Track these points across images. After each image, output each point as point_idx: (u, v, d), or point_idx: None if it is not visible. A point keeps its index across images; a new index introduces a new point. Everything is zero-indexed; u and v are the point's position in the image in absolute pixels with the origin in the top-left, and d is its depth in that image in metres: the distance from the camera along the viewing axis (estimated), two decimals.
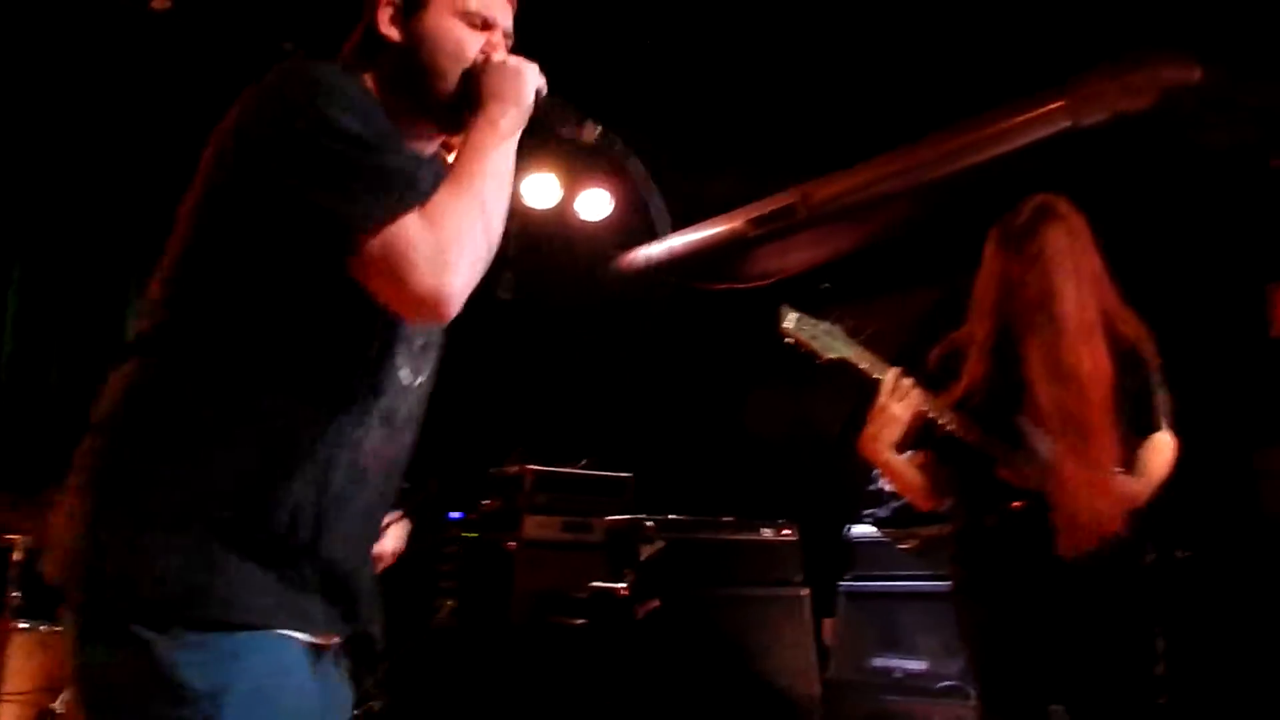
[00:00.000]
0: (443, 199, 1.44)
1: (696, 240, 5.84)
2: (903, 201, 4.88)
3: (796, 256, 5.60)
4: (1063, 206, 2.67)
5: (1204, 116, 4.04)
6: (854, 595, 4.64)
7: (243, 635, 1.38)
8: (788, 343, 2.56)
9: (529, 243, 5.99)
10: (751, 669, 4.34)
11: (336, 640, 1.52)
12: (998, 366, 2.63)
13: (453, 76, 1.58)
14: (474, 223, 1.44)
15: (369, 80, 1.59)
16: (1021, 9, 4.10)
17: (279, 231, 1.42)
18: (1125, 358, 2.62)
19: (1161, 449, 2.67)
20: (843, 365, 2.56)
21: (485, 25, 1.61)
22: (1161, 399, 2.68)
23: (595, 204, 5.94)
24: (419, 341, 1.61)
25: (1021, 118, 4.31)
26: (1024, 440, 2.57)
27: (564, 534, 5.21)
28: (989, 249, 2.71)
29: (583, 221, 5.99)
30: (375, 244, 1.37)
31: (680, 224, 5.96)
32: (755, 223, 5.41)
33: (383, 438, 1.56)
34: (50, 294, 5.27)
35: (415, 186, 1.42)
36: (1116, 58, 4.04)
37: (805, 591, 4.60)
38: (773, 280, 5.74)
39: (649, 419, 6.43)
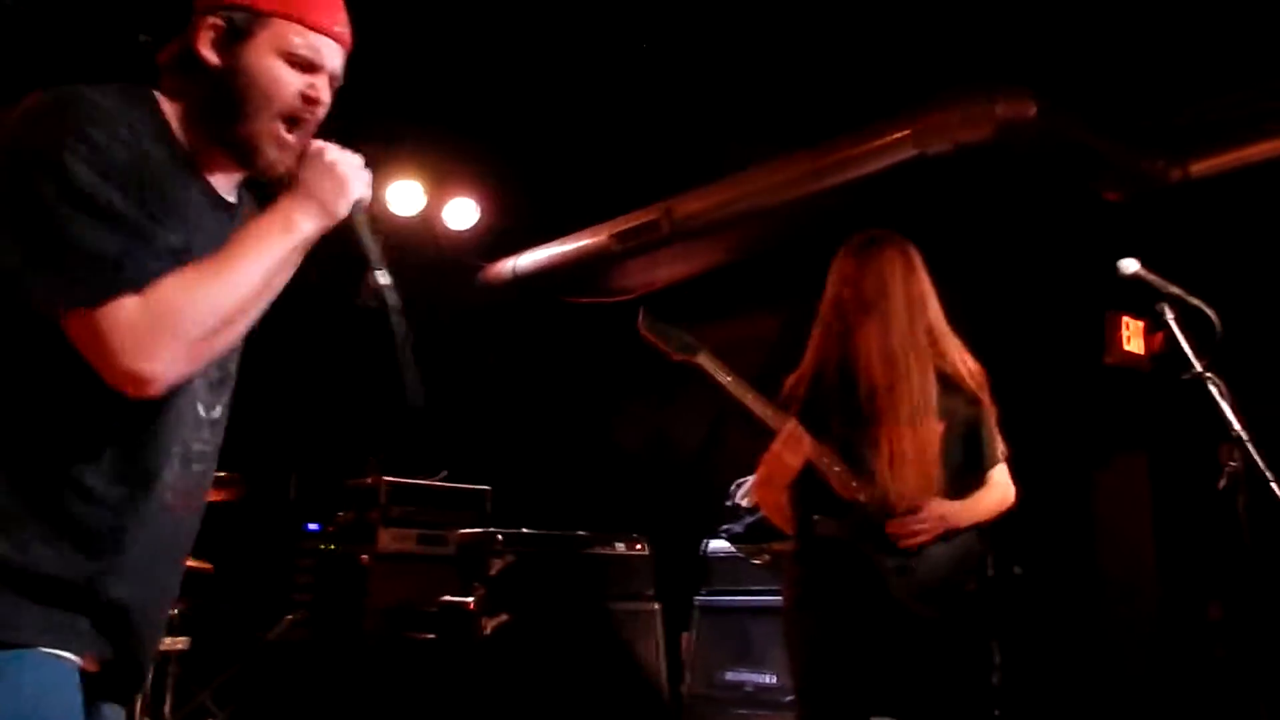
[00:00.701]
0: (175, 284, 1.36)
1: (562, 253, 5.83)
2: (759, 221, 4.96)
3: (662, 271, 5.64)
4: (899, 238, 2.83)
5: (1040, 150, 4.22)
6: (709, 610, 4.67)
7: (7, 653, 1.34)
8: (646, 339, 2.69)
9: (392, 250, 5.89)
10: (601, 683, 4.34)
11: (105, 662, 1.47)
12: (841, 384, 2.73)
13: (262, 116, 1.51)
14: (204, 310, 1.37)
15: (173, 101, 1.52)
16: (881, 36, 4.23)
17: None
18: (947, 381, 2.73)
19: (992, 491, 2.78)
20: (694, 368, 2.67)
21: (309, 67, 1.54)
22: (991, 439, 2.79)
23: (461, 213, 5.88)
24: (215, 375, 1.59)
25: (873, 144, 4.45)
26: (854, 450, 2.67)
27: (419, 547, 5.15)
28: (834, 262, 2.84)
29: (448, 230, 5.92)
30: (81, 321, 1.33)
31: (547, 236, 5.96)
32: (619, 237, 5.43)
33: (180, 473, 1.53)
34: None
35: (144, 263, 1.35)
36: (958, 90, 4.20)
37: (656, 606, 4.62)
38: (638, 295, 5.76)
39: (511, 432, 6.39)
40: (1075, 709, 4.61)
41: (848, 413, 2.69)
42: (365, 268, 1.55)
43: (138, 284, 1.34)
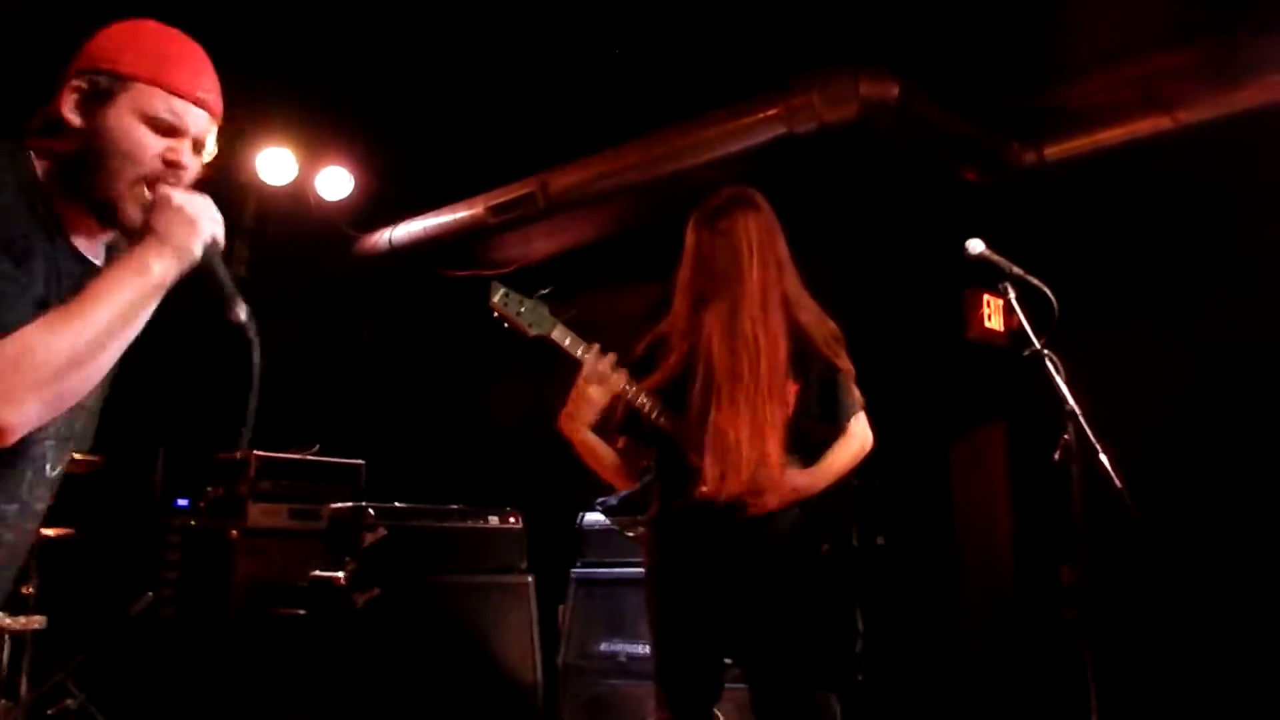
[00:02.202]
0: (35, 331, 1.38)
1: (438, 225, 5.77)
2: (634, 196, 4.99)
3: (539, 245, 5.63)
4: (757, 197, 2.81)
5: (902, 130, 4.33)
6: (584, 581, 4.70)
7: None
8: (495, 317, 2.60)
9: (264, 219, 5.74)
10: (473, 656, 4.34)
11: None
12: (691, 343, 2.72)
13: (122, 177, 1.53)
14: (57, 362, 1.38)
15: (40, 160, 1.53)
16: (754, 12, 4.27)
17: None
18: (803, 344, 2.74)
19: (847, 443, 2.80)
20: (548, 343, 2.61)
21: (172, 132, 1.56)
22: (847, 392, 2.81)
23: (335, 182, 5.77)
24: (64, 432, 1.60)
25: (743, 120, 4.51)
26: (699, 410, 2.66)
27: (291, 522, 5.04)
28: (688, 229, 2.82)
29: (321, 200, 5.80)
30: None
31: (423, 207, 5.88)
32: (495, 210, 5.39)
33: (16, 518, 1.56)
34: None
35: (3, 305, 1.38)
36: (824, 68, 4.28)
37: (529, 578, 4.64)
38: (515, 268, 5.74)
39: (386, 406, 6.31)
40: (937, 672, 4.81)
41: (706, 384, 2.67)
42: (224, 304, 1.56)
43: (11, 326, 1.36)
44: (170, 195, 1.53)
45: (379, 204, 6.01)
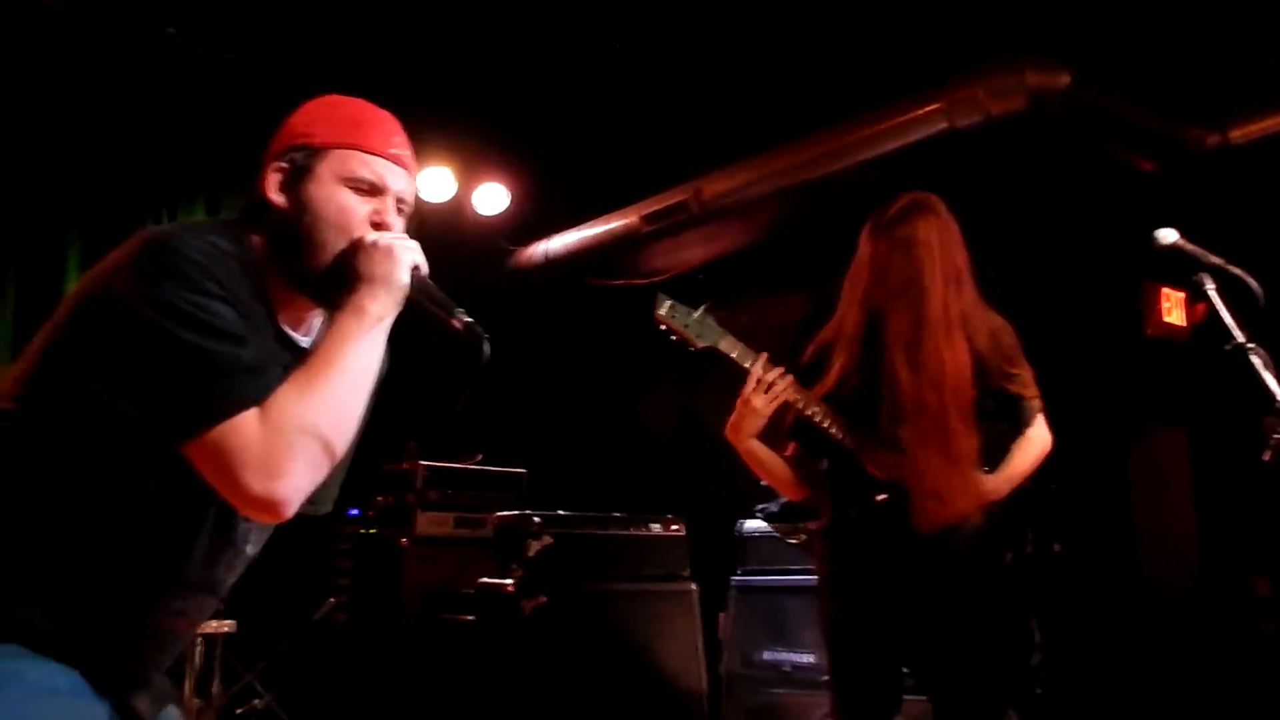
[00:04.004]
0: (287, 396, 1.39)
1: (591, 236, 5.83)
2: (790, 199, 4.93)
3: (691, 253, 5.63)
4: (936, 203, 2.71)
5: (1073, 120, 4.15)
6: (745, 590, 4.67)
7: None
8: (662, 329, 2.57)
9: (424, 236, 5.92)
10: (639, 664, 4.35)
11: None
12: (865, 355, 2.66)
13: (333, 247, 1.54)
14: (317, 422, 1.39)
15: (258, 244, 1.56)
16: (906, 9, 4.18)
17: (119, 408, 1.39)
18: (985, 356, 2.66)
19: (1027, 447, 2.72)
20: (715, 354, 2.58)
21: (374, 191, 1.57)
22: (1025, 397, 2.73)
23: (492, 198, 5.90)
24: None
25: (901, 118, 4.39)
26: (884, 430, 2.61)
27: (457, 530, 5.18)
28: (862, 237, 2.75)
29: (479, 215, 5.94)
30: (207, 441, 1.35)
31: (577, 219, 5.96)
32: (648, 219, 5.41)
33: (202, 598, 1.59)
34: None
35: (261, 380, 1.39)
36: (988, 60, 4.14)
37: (693, 586, 4.62)
38: (667, 276, 5.76)
39: (544, 415, 6.40)
40: (1117, 687, 4.58)
41: (872, 390, 2.63)
42: (442, 319, 1.58)
43: (258, 400, 1.37)
44: (362, 237, 1.54)
45: (534, 217, 6.12)
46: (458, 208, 5.83)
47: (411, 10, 4.41)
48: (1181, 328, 4.68)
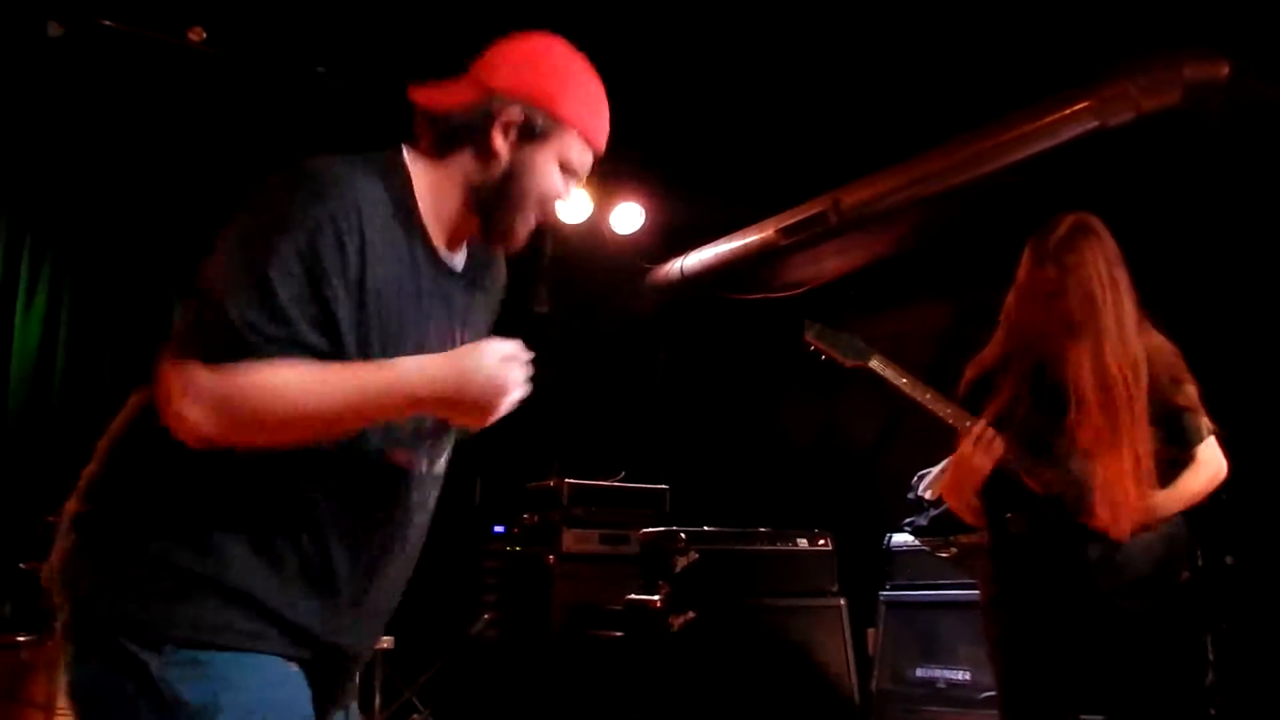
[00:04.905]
0: (287, 371, 1.39)
1: (728, 250, 5.84)
2: (932, 206, 4.84)
3: (828, 264, 5.57)
4: (1098, 224, 2.68)
5: (1234, 114, 3.96)
6: (894, 605, 4.59)
7: (233, 654, 1.44)
8: (811, 350, 2.64)
9: (563, 256, 6.02)
10: (789, 680, 4.32)
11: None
12: (1034, 381, 2.64)
13: (527, 207, 1.60)
14: (265, 413, 1.39)
15: (427, 159, 1.58)
16: (1046, 8, 4.07)
17: (310, 345, 1.44)
18: (1155, 372, 2.62)
19: (1199, 469, 2.67)
20: (867, 373, 2.62)
21: (573, 174, 1.63)
22: (1194, 419, 2.67)
23: (628, 217, 5.99)
24: (428, 439, 1.64)
25: (1049, 119, 4.25)
26: (1057, 454, 2.58)
27: (601, 547, 5.25)
28: (1024, 263, 2.72)
29: (615, 235, 6.03)
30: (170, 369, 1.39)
31: (713, 234, 5.97)
32: (786, 231, 5.38)
33: (418, 516, 1.65)
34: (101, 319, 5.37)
35: (285, 340, 1.40)
36: (1141, 55, 3.98)
37: (842, 601, 4.57)
38: (805, 289, 5.72)
39: (684, 430, 6.43)
40: None
41: (1045, 414, 2.60)
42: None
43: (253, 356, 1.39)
44: (499, 361, 1.47)
45: (670, 234, 6.17)
46: (594, 228, 5.93)
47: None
48: None
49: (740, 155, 5.38)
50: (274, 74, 4.74)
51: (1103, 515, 2.51)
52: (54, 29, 4.28)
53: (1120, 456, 2.52)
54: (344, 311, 1.44)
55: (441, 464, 1.69)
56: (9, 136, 4.93)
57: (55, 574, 1.49)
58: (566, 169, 1.61)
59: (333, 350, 1.44)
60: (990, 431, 2.57)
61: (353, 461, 1.51)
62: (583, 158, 1.62)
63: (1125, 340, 2.58)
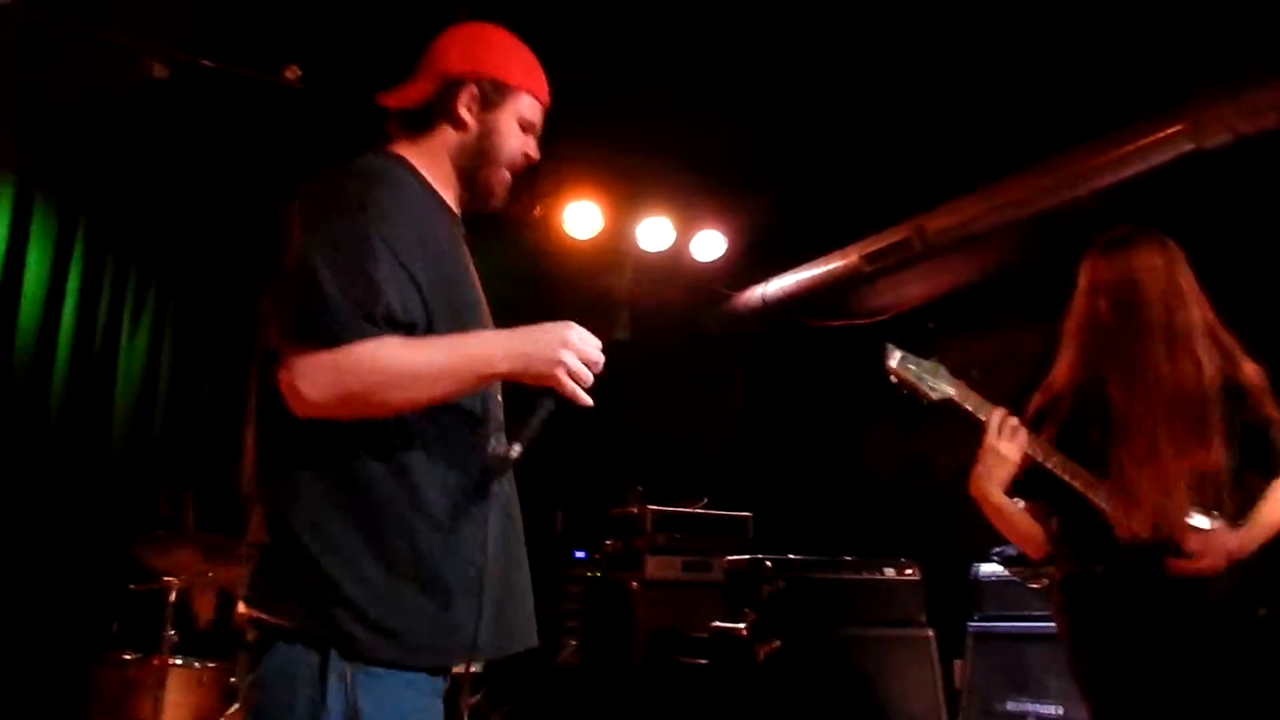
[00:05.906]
0: (394, 341, 1.59)
1: (811, 277, 5.83)
2: (1020, 231, 4.78)
3: (911, 290, 5.54)
4: (1156, 233, 2.63)
5: None
6: (983, 636, 4.51)
7: (405, 674, 1.62)
8: (893, 382, 2.53)
9: (645, 284, 6.07)
10: (877, 711, 4.26)
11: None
12: (1094, 397, 2.58)
13: (499, 166, 1.87)
14: (388, 373, 1.58)
15: (414, 145, 1.84)
16: (1136, 30, 4.01)
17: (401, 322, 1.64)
18: (1231, 384, 2.55)
19: (1278, 496, 2.55)
20: (948, 405, 2.53)
21: (530, 129, 1.91)
22: (1278, 441, 2.56)
23: (709, 245, 6.01)
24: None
25: (1142, 141, 4.18)
26: (1121, 473, 2.51)
27: (684, 574, 5.24)
28: (1082, 271, 2.68)
29: (697, 262, 6.06)
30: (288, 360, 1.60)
31: (795, 261, 5.97)
32: (869, 258, 5.36)
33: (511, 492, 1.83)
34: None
35: (383, 315, 1.59)
36: (1236, 77, 3.90)
37: (930, 632, 4.50)
38: (888, 315, 5.68)
39: (766, 457, 6.41)
40: None
41: (1105, 430, 2.53)
42: (522, 422, 1.72)
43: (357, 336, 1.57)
44: (570, 328, 1.70)
45: (752, 261, 6.18)
46: (676, 256, 5.97)
47: (627, 68, 4.56)
48: None
49: (825, 182, 5.38)
50: (366, 110, 4.87)
51: (1115, 519, 2.47)
52: (159, 71, 4.46)
53: (1143, 465, 2.45)
54: (422, 277, 1.66)
55: (516, 449, 1.78)
56: (118, 173, 5.14)
57: (246, 594, 1.63)
58: (525, 126, 1.89)
59: (423, 313, 1.65)
60: (1013, 420, 2.51)
61: (457, 449, 1.70)
62: (534, 113, 1.90)
63: (1174, 349, 2.50)
